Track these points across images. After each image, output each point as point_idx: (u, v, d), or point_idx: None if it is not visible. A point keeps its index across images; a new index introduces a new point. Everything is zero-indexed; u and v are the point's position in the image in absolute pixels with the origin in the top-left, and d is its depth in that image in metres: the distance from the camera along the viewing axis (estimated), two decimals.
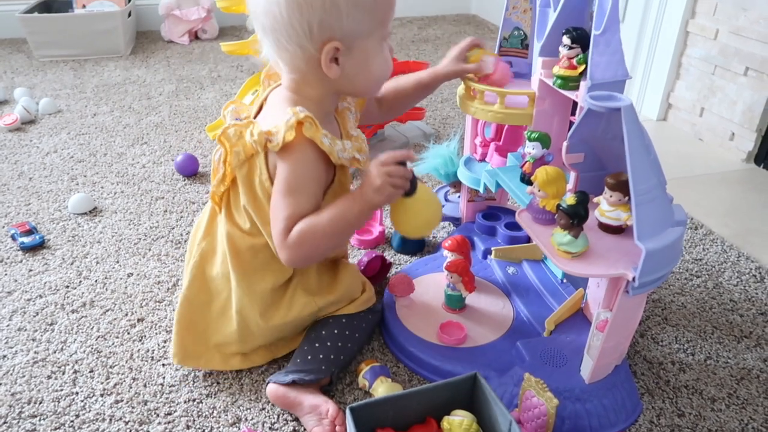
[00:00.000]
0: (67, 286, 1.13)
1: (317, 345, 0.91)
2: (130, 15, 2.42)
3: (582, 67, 0.80)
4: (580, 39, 0.80)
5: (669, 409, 0.89)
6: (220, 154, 0.86)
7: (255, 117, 0.89)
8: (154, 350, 0.99)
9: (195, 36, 2.60)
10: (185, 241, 1.26)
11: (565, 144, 0.79)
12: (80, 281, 1.15)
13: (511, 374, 0.86)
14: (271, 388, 0.88)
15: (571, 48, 0.81)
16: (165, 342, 1.00)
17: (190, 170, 1.51)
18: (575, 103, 0.85)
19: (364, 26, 0.78)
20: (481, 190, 1.07)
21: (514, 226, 1.13)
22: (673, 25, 1.77)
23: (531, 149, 0.87)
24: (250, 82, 1.48)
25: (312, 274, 0.94)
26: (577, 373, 0.84)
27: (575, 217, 0.72)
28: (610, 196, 0.75)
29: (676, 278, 1.17)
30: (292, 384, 0.86)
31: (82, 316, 1.06)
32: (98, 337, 1.01)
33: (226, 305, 0.92)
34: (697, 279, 1.17)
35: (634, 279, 0.70)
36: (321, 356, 0.89)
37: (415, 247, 1.21)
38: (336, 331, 0.93)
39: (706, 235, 1.30)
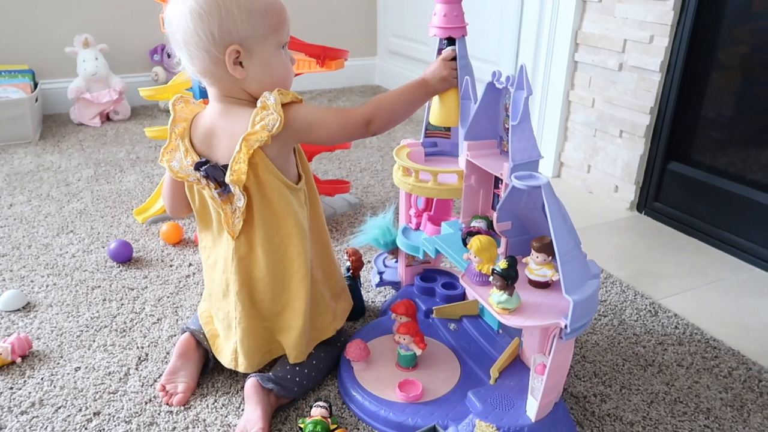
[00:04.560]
0: (11, 388, 1.10)
1: (297, 368, 1.06)
2: (37, 100, 2.38)
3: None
4: None
5: None
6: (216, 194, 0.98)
7: (201, 159, 0.98)
8: None
9: (107, 118, 2.58)
10: (130, 329, 1.26)
11: (495, 215, 0.93)
12: (25, 381, 1.12)
13: (467, 422, 0.96)
14: (252, 382, 1.01)
15: None
16: None
17: (125, 256, 1.51)
18: (497, 178, 1.00)
19: (258, 31, 0.92)
20: (420, 256, 1.19)
21: (450, 285, 1.25)
22: (557, 95, 2.04)
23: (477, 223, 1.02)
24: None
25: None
26: (524, 414, 0.95)
27: (509, 279, 0.85)
28: (537, 257, 0.89)
29: None
30: (268, 390, 1.01)
31: (33, 417, 1.03)
32: None
33: (281, 310, 1.05)
34: (604, 318, 1.34)
35: (566, 326, 0.83)
36: (297, 379, 1.05)
37: (358, 314, 1.30)
38: (314, 362, 1.09)
39: (607, 278, 1.49)
